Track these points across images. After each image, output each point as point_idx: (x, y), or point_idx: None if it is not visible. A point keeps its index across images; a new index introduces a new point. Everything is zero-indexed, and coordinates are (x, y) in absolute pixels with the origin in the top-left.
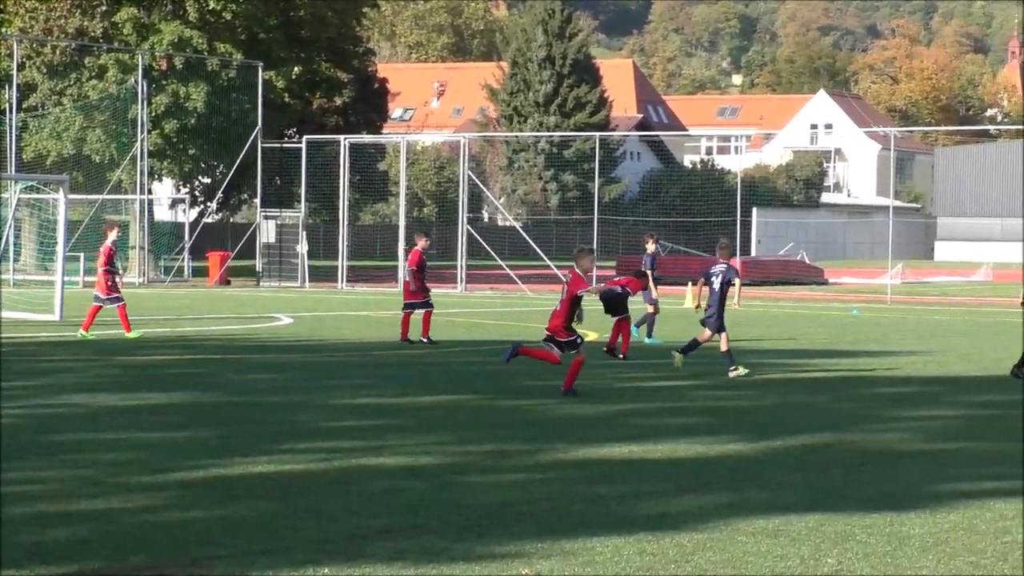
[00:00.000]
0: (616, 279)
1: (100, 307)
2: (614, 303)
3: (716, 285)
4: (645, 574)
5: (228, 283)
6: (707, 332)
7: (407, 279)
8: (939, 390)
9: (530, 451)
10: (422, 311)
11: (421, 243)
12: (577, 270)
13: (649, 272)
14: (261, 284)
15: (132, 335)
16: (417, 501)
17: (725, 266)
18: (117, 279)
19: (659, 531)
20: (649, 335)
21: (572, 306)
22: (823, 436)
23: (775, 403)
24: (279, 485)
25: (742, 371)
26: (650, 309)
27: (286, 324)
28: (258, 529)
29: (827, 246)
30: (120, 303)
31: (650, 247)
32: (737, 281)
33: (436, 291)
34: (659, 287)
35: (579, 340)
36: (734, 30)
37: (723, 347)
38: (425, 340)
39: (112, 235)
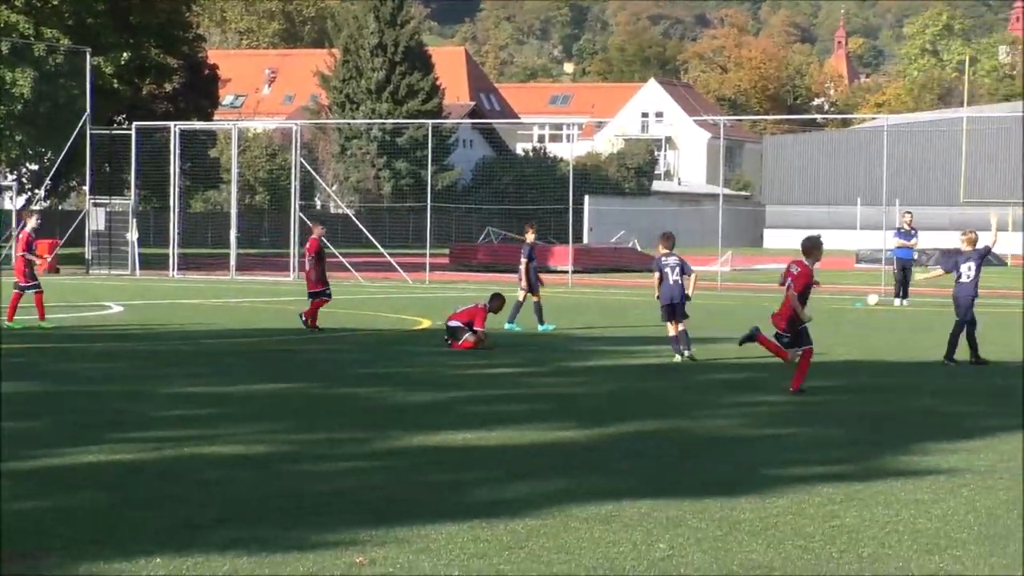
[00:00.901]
0: (459, 312)
1: (21, 294)
2: (454, 334)
3: (672, 277)
4: (479, 560)
5: (57, 271)
6: (672, 324)
7: (307, 268)
8: (768, 376)
9: (364, 439)
10: (322, 299)
11: (317, 231)
12: (807, 262)
13: (526, 260)
14: (91, 272)
15: (46, 324)
16: (250, 490)
17: (677, 257)
18: (35, 266)
19: (493, 517)
20: (511, 320)
21: (800, 303)
22: (655, 422)
23: (608, 390)
24: (111, 475)
25: (678, 358)
26: (520, 297)
27: (116, 312)
28: (90, 519)
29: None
30: (38, 290)
31: (529, 237)
32: (693, 272)
33: (269, 279)
34: (539, 275)
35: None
36: (565, 19)
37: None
38: (307, 324)
39: (31, 222)
